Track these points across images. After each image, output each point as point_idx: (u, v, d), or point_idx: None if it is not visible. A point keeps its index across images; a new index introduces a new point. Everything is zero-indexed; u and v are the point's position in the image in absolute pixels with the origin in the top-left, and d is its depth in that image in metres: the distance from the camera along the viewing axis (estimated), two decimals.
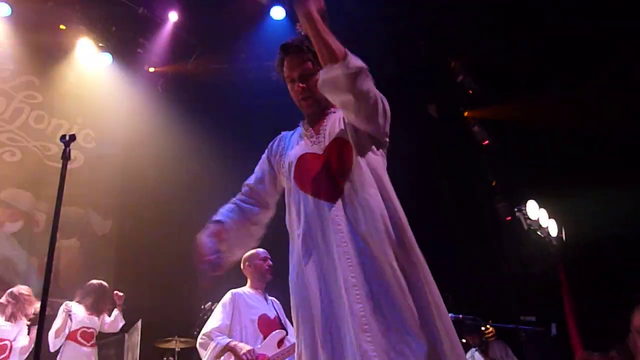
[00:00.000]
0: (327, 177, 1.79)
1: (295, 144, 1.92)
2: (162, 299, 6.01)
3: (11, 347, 4.52)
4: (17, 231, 6.05)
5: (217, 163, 6.58)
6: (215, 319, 3.32)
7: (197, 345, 3.29)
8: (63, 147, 2.24)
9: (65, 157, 2.15)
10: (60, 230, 6.35)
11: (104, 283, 5.09)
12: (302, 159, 1.86)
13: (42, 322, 2.03)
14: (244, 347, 3.11)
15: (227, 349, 3.13)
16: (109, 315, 5.06)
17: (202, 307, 5.17)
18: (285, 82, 1.92)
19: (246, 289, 3.59)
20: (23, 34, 6.57)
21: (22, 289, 4.70)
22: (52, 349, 4.64)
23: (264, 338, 3.26)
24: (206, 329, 3.27)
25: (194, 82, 7.14)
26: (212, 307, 5.17)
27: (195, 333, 5.46)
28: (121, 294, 5.04)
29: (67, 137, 2.16)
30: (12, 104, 6.48)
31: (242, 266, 3.64)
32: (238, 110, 6.89)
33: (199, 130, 6.68)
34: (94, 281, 5.10)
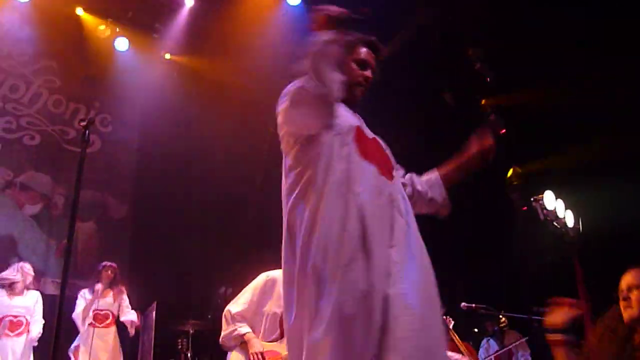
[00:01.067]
0: (386, 155, 1.89)
1: (345, 112, 1.85)
2: (178, 282, 6.10)
3: (27, 322, 4.65)
4: (37, 213, 6.18)
5: (233, 147, 6.61)
6: (242, 301, 3.11)
7: (222, 316, 3.19)
8: (81, 130, 2.24)
9: (85, 140, 2.15)
10: (78, 214, 6.49)
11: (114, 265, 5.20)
12: (359, 128, 1.83)
13: (62, 303, 2.06)
14: (255, 345, 2.99)
15: (243, 338, 3.02)
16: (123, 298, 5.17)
17: (218, 291, 5.25)
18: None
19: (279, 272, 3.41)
20: (41, 19, 6.64)
21: (25, 265, 4.81)
22: (81, 330, 4.89)
23: (280, 336, 3.05)
24: (233, 307, 3.13)
25: (209, 67, 7.15)
26: (227, 292, 5.25)
27: (210, 317, 5.58)
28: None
29: (86, 121, 2.16)
30: (31, 89, 6.57)
31: None
32: (253, 95, 6.89)
33: (215, 115, 6.71)
34: (108, 263, 5.20)
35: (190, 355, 5.24)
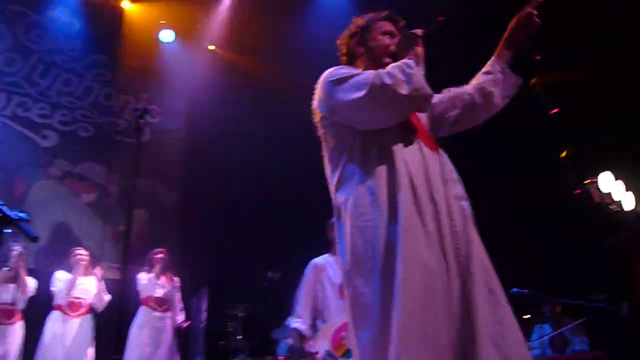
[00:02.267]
0: (427, 129, 1.84)
1: None
2: (227, 266, 6.25)
3: (87, 304, 4.90)
4: (92, 202, 6.48)
5: (276, 136, 6.66)
6: (297, 301, 3.26)
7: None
8: (132, 122, 2.32)
9: (139, 128, 2.23)
10: (130, 201, 6.74)
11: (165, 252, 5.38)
12: None
13: (123, 286, 2.15)
14: (307, 343, 3.09)
15: (299, 335, 3.11)
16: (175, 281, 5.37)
17: (266, 275, 5.34)
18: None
19: (328, 257, 3.40)
20: (90, 14, 6.90)
21: (81, 250, 5.04)
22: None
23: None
24: (294, 309, 3.25)
25: (253, 57, 7.22)
26: (275, 276, 5.33)
27: (258, 300, 5.69)
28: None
29: (140, 111, 2.24)
30: (83, 82, 6.84)
31: (327, 231, 3.48)
32: (297, 83, 6.89)
33: (259, 104, 6.79)
34: (160, 250, 5.39)
35: (241, 338, 5.39)
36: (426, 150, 1.72)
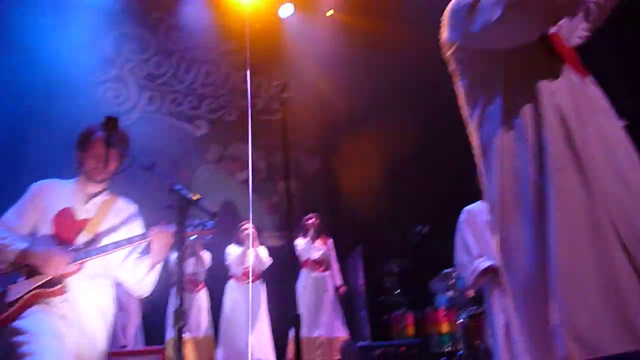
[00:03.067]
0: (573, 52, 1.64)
1: None
2: (379, 224, 6.37)
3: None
4: (246, 178, 7.06)
5: (410, 88, 6.52)
6: (458, 247, 3.17)
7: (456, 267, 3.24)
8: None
9: (282, 102, 2.36)
10: (277, 173, 7.19)
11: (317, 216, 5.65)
12: None
13: (289, 253, 2.32)
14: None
15: (489, 271, 2.96)
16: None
17: (415, 229, 5.35)
18: None
19: (480, 203, 3.27)
20: (216, 5, 7.37)
21: (246, 223, 5.49)
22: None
23: None
24: (463, 253, 3.13)
25: (373, 17, 7.08)
26: (424, 230, 5.32)
27: (411, 255, 5.75)
28: None
29: (280, 85, 2.37)
30: (221, 71, 7.40)
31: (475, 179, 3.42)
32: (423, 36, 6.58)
33: (388, 63, 6.67)
34: (312, 215, 5.69)
35: (399, 292, 5.53)
36: (575, 77, 1.53)
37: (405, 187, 6.49)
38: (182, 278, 1.77)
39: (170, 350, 4.44)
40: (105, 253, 2.31)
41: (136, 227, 2.53)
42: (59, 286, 2.20)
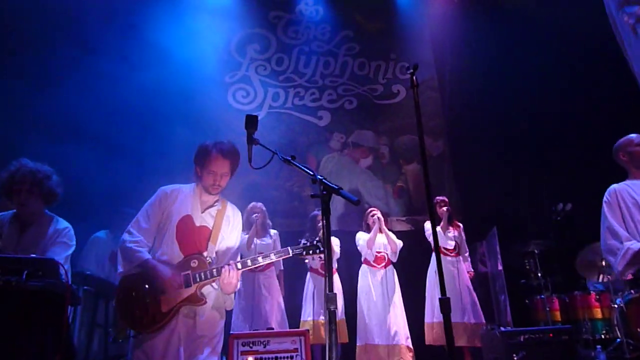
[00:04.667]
0: None
1: None
2: (514, 204, 6.03)
3: (388, 257, 5.42)
4: (370, 165, 7.12)
5: (535, 63, 6.05)
6: (611, 226, 2.94)
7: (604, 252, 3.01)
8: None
9: (414, 85, 2.32)
10: (401, 157, 7.14)
11: (446, 200, 5.46)
12: None
13: (435, 238, 2.26)
14: None
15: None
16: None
17: (554, 208, 4.97)
18: None
19: (629, 182, 3.05)
20: None
21: (374, 209, 5.48)
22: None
23: None
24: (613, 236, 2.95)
25: None
26: (567, 207, 4.91)
27: (552, 235, 5.35)
28: None
29: (412, 68, 2.33)
30: (338, 60, 7.52)
31: (614, 156, 3.15)
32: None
33: (504, 33, 6.27)
34: (440, 198, 5.53)
35: (541, 275, 5.17)
36: None
37: (541, 164, 6.04)
38: (330, 264, 1.84)
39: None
40: (217, 278, 2.55)
41: (235, 236, 2.78)
42: (202, 300, 2.53)
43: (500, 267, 5.33)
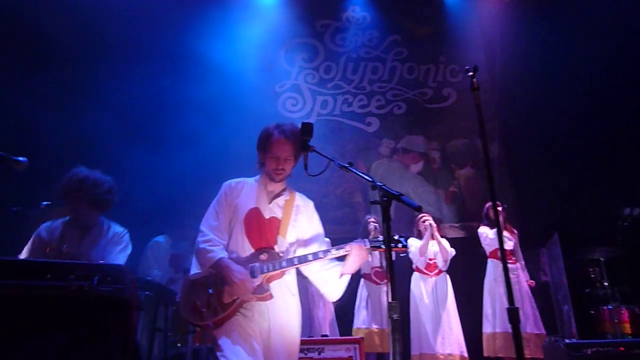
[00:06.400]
0: None
1: None
2: (575, 209, 5.75)
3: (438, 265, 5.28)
4: (421, 170, 7.00)
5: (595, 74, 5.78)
6: None
7: None
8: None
9: (474, 87, 2.25)
10: (453, 162, 7.00)
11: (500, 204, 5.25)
12: None
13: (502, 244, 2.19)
14: None
15: None
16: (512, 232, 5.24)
17: (622, 213, 4.71)
18: None
19: None
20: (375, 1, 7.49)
21: (425, 215, 5.34)
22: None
23: None
24: None
25: None
26: (634, 212, 4.63)
27: (619, 240, 5.05)
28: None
29: (472, 69, 2.26)
30: (386, 65, 7.46)
31: None
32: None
33: (555, 30, 6.03)
34: (488, 203, 5.34)
35: (608, 284, 4.88)
36: None
37: (604, 166, 5.73)
38: (392, 271, 1.81)
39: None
40: (292, 266, 2.42)
41: (316, 224, 2.63)
42: (267, 292, 2.37)
43: (563, 276, 5.07)
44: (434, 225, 5.24)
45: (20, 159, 2.28)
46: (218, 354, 2.26)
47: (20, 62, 5.30)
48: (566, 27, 6.15)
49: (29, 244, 3.13)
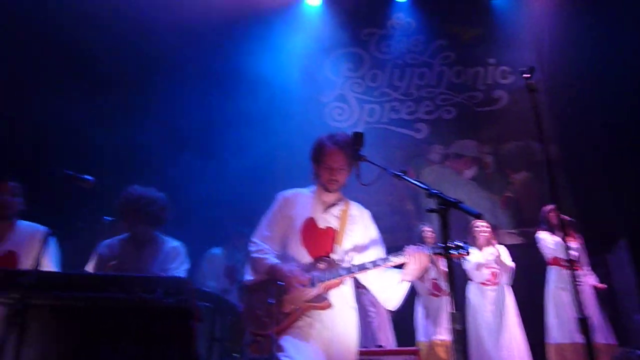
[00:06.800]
0: None
1: None
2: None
3: (497, 273, 5.08)
4: (474, 175, 6.81)
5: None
6: None
7: None
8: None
9: (532, 89, 2.19)
10: (507, 166, 6.76)
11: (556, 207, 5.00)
12: None
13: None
14: None
15: None
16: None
17: None
18: None
19: None
20: (419, 6, 7.42)
21: (481, 222, 5.15)
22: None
23: None
24: None
25: None
26: None
27: None
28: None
29: (528, 70, 2.20)
30: (434, 70, 7.35)
31: None
32: None
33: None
34: (551, 207, 5.09)
35: None
36: None
37: None
38: (453, 281, 1.76)
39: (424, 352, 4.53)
40: (351, 274, 2.41)
41: (373, 232, 2.61)
42: (326, 301, 2.36)
43: (631, 283, 4.77)
44: (487, 233, 5.08)
45: (87, 177, 2.40)
46: (280, 354, 2.25)
47: (81, 86, 5.60)
48: (618, 22, 5.85)
49: (91, 262, 3.28)
